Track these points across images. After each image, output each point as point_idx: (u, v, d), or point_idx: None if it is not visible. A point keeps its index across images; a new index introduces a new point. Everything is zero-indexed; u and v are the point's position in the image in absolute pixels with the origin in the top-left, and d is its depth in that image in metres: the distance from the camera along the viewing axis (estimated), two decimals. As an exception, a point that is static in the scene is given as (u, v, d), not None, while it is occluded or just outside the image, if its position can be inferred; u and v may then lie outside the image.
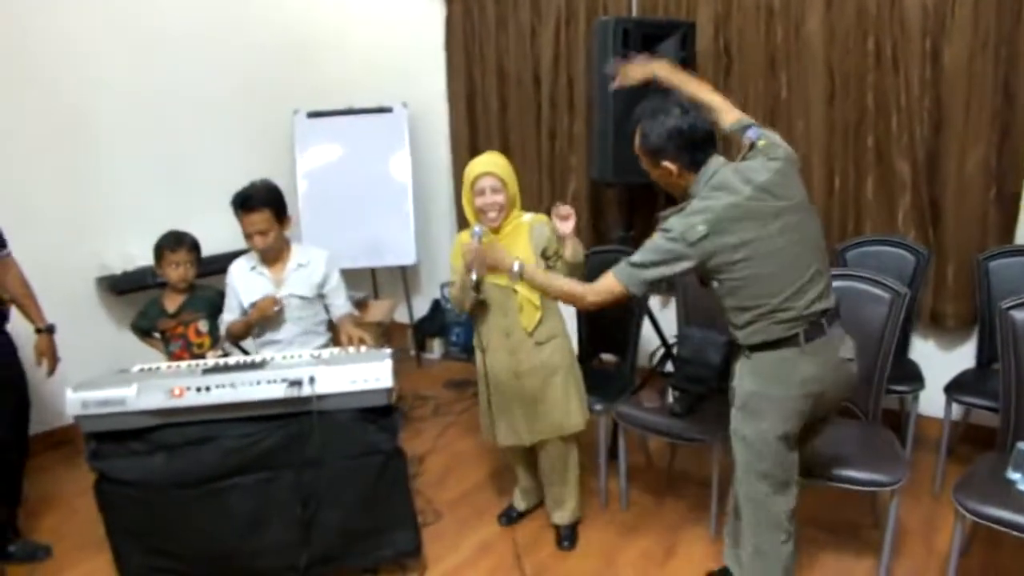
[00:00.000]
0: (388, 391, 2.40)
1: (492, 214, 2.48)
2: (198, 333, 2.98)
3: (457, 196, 4.59)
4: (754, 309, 1.96)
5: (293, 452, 2.35)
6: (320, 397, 2.31)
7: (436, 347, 4.88)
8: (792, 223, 1.93)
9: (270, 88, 4.39)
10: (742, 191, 1.90)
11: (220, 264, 3.56)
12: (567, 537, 2.73)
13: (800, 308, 1.94)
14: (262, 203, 2.68)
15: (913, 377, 2.94)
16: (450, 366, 4.69)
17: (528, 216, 2.58)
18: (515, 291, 2.51)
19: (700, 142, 1.97)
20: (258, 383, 2.32)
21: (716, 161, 1.99)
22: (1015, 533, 2.00)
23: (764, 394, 2.02)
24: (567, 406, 2.60)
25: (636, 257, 1.97)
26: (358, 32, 4.72)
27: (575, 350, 2.75)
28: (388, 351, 2.53)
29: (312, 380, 2.31)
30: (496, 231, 2.53)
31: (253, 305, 2.78)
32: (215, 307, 3.00)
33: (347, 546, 2.44)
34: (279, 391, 2.30)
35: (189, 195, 4.01)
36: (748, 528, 2.16)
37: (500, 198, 2.47)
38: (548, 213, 2.47)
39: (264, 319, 2.77)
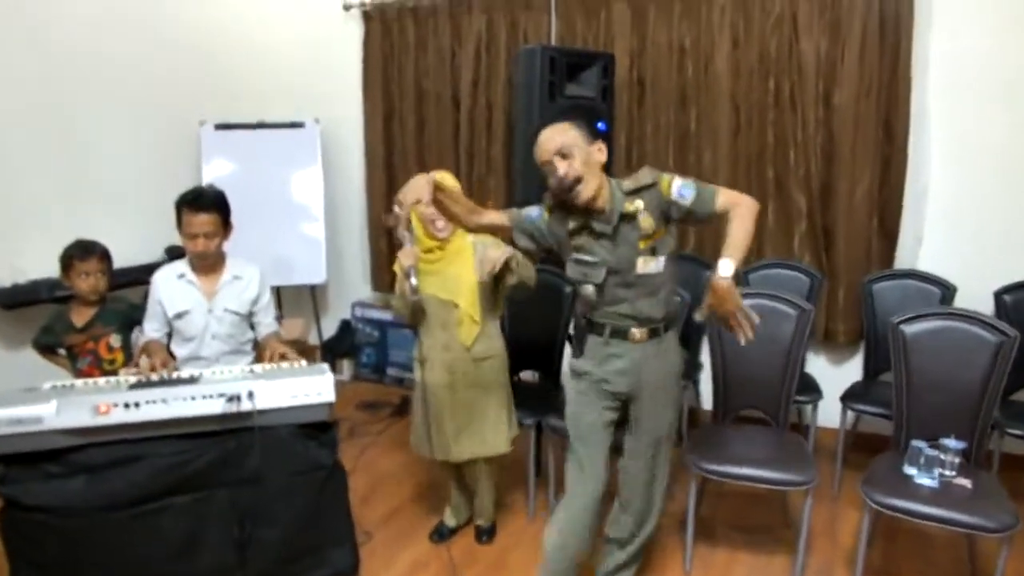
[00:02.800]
0: (329, 406, 2.37)
1: (440, 223, 2.52)
2: (110, 348, 2.80)
3: (371, 215, 4.57)
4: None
5: (230, 470, 2.27)
6: (261, 412, 2.25)
7: (346, 368, 4.79)
8: None
9: (176, 97, 4.20)
10: None
11: (125, 278, 3.41)
12: (486, 531, 2.88)
13: None
14: (212, 205, 2.59)
15: (812, 388, 3.22)
16: (361, 387, 4.61)
17: (471, 238, 2.62)
18: (456, 306, 2.56)
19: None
20: (192, 398, 2.22)
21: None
22: (915, 520, 2.25)
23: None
24: (497, 426, 2.67)
25: (690, 181, 2.08)
26: (270, 45, 4.62)
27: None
28: (325, 366, 2.50)
29: (251, 395, 2.25)
30: (442, 246, 2.58)
31: (179, 316, 2.65)
32: (128, 321, 2.84)
33: (284, 566, 2.36)
34: (217, 406, 2.22)
35: (88, 205, 3.75)
36: (658, 497, 2.36)
37: None
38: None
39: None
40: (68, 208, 3.66)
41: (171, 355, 2.72)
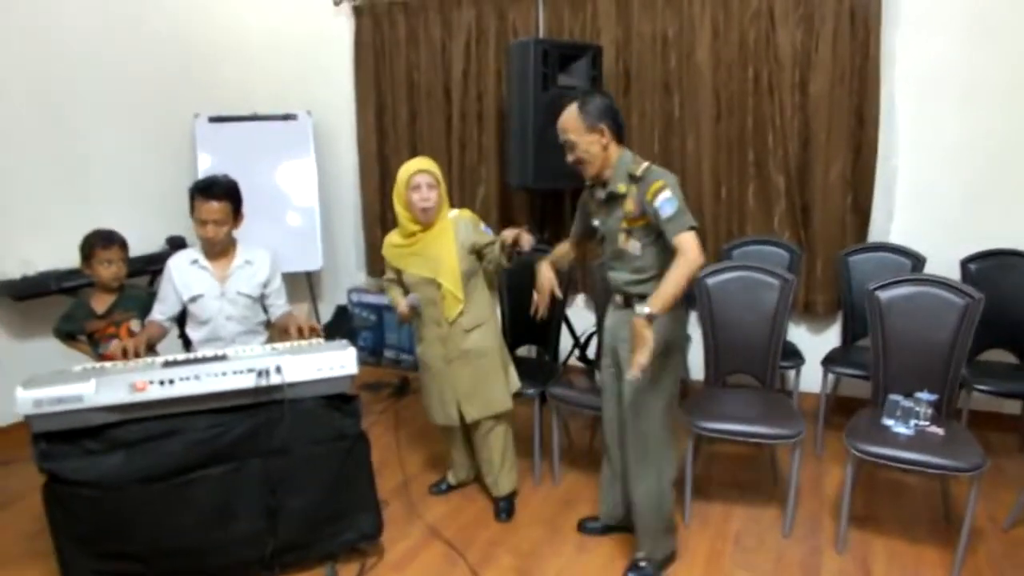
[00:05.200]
0: (352, 378, 2.51)
1: (427, 207, 2.67)
2: (131, 333, 2.89)
3: (364, 204, 4.70)
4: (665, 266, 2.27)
5: (260, 441, 2.39)
6: (289, 385, 2.38)
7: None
8: None
9: (171, 91, 4.29)
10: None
11: (130, 268, 3.47)
12: (505, 509, 2.95)
13: None
14: (224, 193, 2.70)
15: (794, 355, 3.44)
16: (360, 370, 4.71)
17: (452, 213, 2.79)
18: (439, 284, 2.72)
19: (622, 124, 2.36)
20: (224, 374, 2.35)
21: (629, 151, 2.35)
22: (894, 465, 2.46)
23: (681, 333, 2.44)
24: (495, 387, 2.84)
25: (679, 205, 2.15)
26: (264, 39, 4.72)
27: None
28: (346, 341, 2.65)
29: (279, 369, 2.38)
30: (427, 228, 2.73)
31: (193, 300, 2.77)
32: (147, 307, 2.93)
33: (313, 532, 2.49)
34: (248, 381, 2.35)
35: (88, 198, 3.84)
36: (658, 461, 2.45)
37: (435, 194, 2.68)
38: None
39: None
40: (69, 202, 3.74)
41: (187, 341, 2.86)
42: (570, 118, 2.30)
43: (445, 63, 4.27)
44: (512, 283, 3.35)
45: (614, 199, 2.33)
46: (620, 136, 2.34)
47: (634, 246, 2.32)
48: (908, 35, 3.45)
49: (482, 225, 2.83)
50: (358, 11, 4.46)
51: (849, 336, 3.53)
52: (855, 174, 3.56)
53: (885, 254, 3.51)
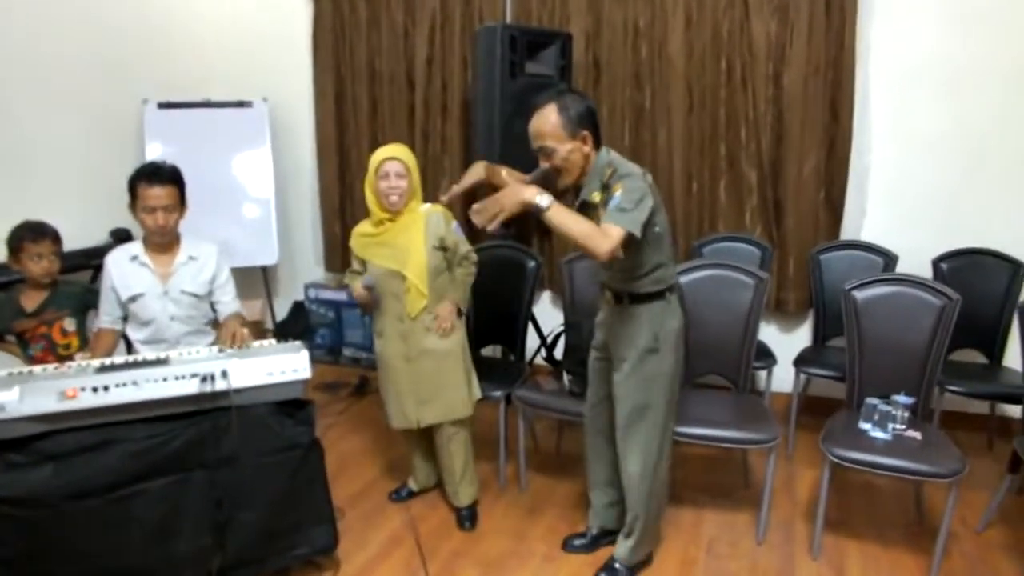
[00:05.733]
0: (305, 383, 2.36)
1: (394, 198, 2.56)
2: (64, 333, 2.68)
3: (323, 196, 4.51)
4: (657, 263, 2.21)
5: (206, 451, 2.22)
6: (236, 391, 2.21)
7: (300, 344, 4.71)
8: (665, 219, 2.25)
9: (118, 75, 4.02)
10: (647, 175, 2.15)
11: (68, 262, 3.25)
12: (468, 518, 2.81)
13: (673, 273, 2.28)
14: (171, 178, 2.51)
15: (766, 355, 3.36)
16: (318, 369, 4.48)
17: (425, 207, 2.66)
18: (404, 277, 2.59)
19: (598, 126, 2.19)
20: (164, 380, 2.17)
21: (605, 151, 2.20)
22: (872, 471, 2.40)
23: (678, 330, 2.30)
24: (456, 391, 2.70)
25: (621, 203, 2.00)
26: (217, 20, 4.48)
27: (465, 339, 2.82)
28: (299, 343, 2.49)
29: (225, 374, 2.21)
30: (394, 218, 2.61)
31: (133, 299, 2.57)
32: (82, 304, 2.73)
33: (263, 547, 2.33)
34: (190, 387, 2.17)
35: (26, 187, 3.57)
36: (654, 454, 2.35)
37: (404, 183, 2.56)
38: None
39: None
40: (4, 191, 3.47)
41: (128, 343, 2.66)
42: (547, 123, 2.10)
43: (408, 49, 4.09)
44: (476, 279, 3.20)
45: (588, 207, 2.18)
46: (599, 140, 2.19)
47: (617, 252, 2.19)
48: (885, 25, 3.38)
49: (454, 224, 2.69)
50: (316, -8, 4.26)
51: (820, 336, 3.48)
52: (828, 169, 3.49)
53: (857, 252, 3.47)
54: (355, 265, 2.77)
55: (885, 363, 2.69)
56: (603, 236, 1.97)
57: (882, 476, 2.53)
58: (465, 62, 3.93)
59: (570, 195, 2.25)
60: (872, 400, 2.60)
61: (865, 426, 2.56)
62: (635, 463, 2.33)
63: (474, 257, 2.75)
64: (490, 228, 2.04)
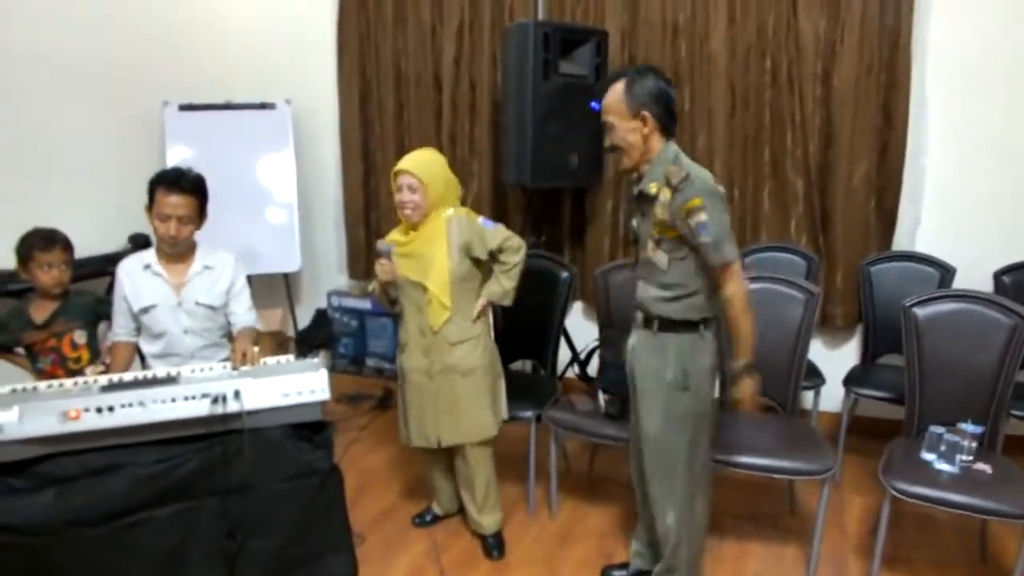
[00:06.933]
0: (323, 404, 2.20)
1: (407, 211, 2.44)
2: (74, 346, 2.56)
3: (347, 201, 4.38)
4: (696, 288, 2.05)
5: (217, 477, 2.06)
6: (249, 413, 2.07)
7: (321, 360, 4.58)
8: None
9: (139, 76, 3.91)
10: (719, 185, 2.02)
11: (85, 269, 3.16)
12: (495, 546, 2.65)
13: (712, 306, 2.10)
14: (192, 187, 2.38)
15: (814, 374, 3.15)
16: (339, 379, 4.40)
17: (450, 211, 2.49)
18: (426, 289, 2.46)
19: (674, 114, 2.08)
20: (173, 400, 2.03)
21: (675, 145, 2.07)
22: (937, 507, 2.18)
23: (711, 368, 2.12)
24: (478, 411, 2.53)
25: (717, 232, 1.94)
26: (239, 21, 4.36)
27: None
28: (317, 360, 2.33)
29: (238, 394, 2.06)
30: (417, 228, 2.48)
31: (145, 311, 2.44)
32: (94, 315, 2.61)
33: (277, 579, 2.19)
34: (201, 408, 2.03)
35: (44, 191, 3.48)
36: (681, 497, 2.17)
37: (416, 197, 2.42)
38: None
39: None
40: (20, 195, 3.38)
41: (141, 356, 2.54)
42: (614, 98, 2.04)
43: (435, 48, 3.93)
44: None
45: (645, 199, 2.05)
46: (669, 127, 2.05)
47: (661, 258, 2.04)
48: (943, 21, 3.14)
49: (479, 219, 2.50)
50: (342, -10, 4.13)
51: (870, 353, 3.25)
52: (880, 176, 3.27)
53: (911, 264, 3.24)
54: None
55: (949, 387, 2.48)
56: (732, 302, 2.00)
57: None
58: (494, 61, 3.76)
59: (633, 183, 2.12)
60: (936, 428, 2.38)
61: (928, 457, 2.35)
62: (669, 513, 2.16)
63: (516, 243, 2.51)
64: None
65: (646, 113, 1.99)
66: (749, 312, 2.02)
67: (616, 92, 2.03)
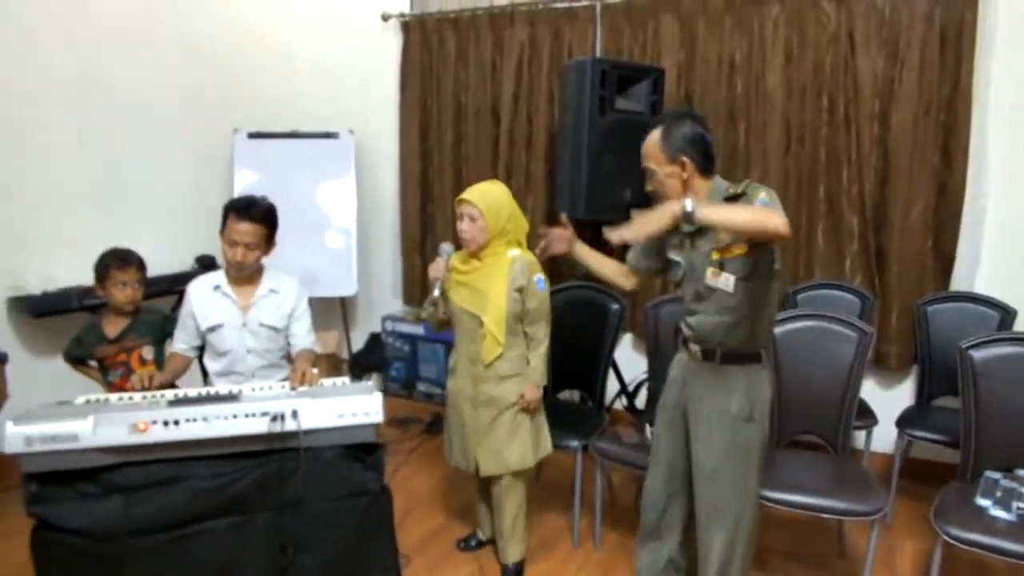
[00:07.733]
0: (376, 427, 2.27)
1: (466, 237, 2.52)
2: (142, 361, 2.70)
3: (404, 229, 4.52)
4: (766, 315, 2.06)
5: (272, 493, 2.15)
6: (306, 432, 2.15)
7: (374, 383, 4.69)
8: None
9: (213, 105, 4.15)
10: None
11: (154, 287, 3.32)
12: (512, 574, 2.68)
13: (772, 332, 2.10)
14: (262, 216, 2.50)
15: (866, 413, 3.09)
16: (391, 403, 4.46)
17: (515, 252, 2.55)
18: (482, 322, 2.51)
19: (712, 155, 2.09)
20: (234, 417, 2.12)
21: (721, 179, 2.09)
22: (996, 556, 2.11)
23: (772, 399, 2.13)
24: (517, 444, 2.56)
25: (770, 202, 1.91)
26: (306, 54, 4.58)
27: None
28: (371, 383, 2.41)
29: (296, 414, 2.14)
30: (480, 258, 2.55)
31: (212, 329, 2.56)
32: (162, 332, 2.76)
33: (325, 595, 2.24)
34: (260, 425, 2.11)
35: (119, 212, 3.69)
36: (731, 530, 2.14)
37: (475, 228, 2.49)
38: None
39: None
40: (99, 216, 3.60)
41: (204, 373, 2.66)
42: (652, 145, 2.09)
43: (495, 83, 4.05)
44: (555, 319, 3.08)
45: (704, 230, 2.05)
46: (708, 167, 2.07)
47: (726, 280, 2.02)
48: (1005, 61, 3.10)
49: (536, 276, 2.54)
50: (407, 26, 4.29)
51: (925, 394, 3.18)
52: (938, 215, 3.22)
53: (969, 305, 3.17)
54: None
55: (1007, 432, 2.42)
56: (769, 212, 1.84)
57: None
58: (551, 97, 3.86)
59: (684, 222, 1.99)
60: (992, 474, 2.33)
61: (984, 503, 2.28)
62: (721, 539, 2.13)
63: (544, 312, 2.58)
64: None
65: (684, 158, 2.02)
66: (755, 215, 1.85)
67: (653, 139, 2.08)
